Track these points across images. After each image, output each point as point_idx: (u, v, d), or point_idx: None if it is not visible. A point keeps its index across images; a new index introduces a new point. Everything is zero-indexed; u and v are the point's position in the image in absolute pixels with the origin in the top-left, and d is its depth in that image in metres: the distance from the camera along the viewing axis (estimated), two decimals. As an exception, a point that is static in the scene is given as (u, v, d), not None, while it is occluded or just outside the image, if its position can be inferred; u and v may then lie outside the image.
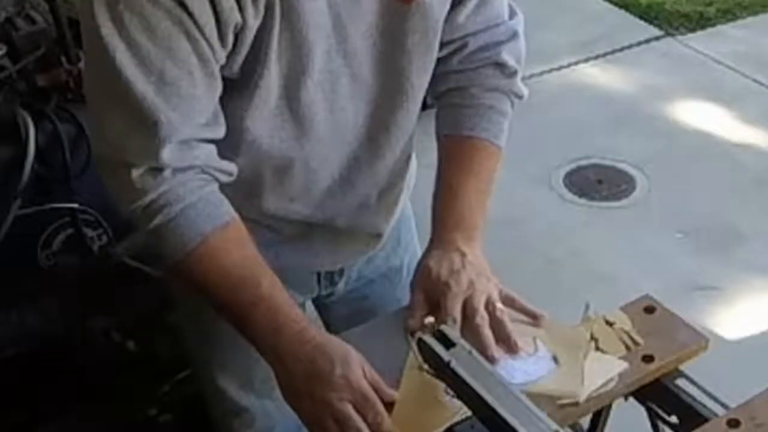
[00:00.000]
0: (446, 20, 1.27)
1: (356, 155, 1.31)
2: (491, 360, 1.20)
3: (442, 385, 1.18)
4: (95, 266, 2.04)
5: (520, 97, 1.39)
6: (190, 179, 1.16)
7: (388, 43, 1.21)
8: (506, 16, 1.35)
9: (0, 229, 1.87)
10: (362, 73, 1.22)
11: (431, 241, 1.33)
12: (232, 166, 1.21)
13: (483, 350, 1.20)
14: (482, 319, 1.24)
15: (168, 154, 1.12)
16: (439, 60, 1.33)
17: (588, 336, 1.30)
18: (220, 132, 1.17)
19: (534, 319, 1.31)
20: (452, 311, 1.24)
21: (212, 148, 1.18)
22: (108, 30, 1.05)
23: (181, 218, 1.15)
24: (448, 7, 1.25)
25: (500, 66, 1.35)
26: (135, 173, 1.13)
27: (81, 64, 1.97)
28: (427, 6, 1.20)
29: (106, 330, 2.11)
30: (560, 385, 1.22)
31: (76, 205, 1.97)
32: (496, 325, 1.25)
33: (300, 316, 1.18)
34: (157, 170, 1.13)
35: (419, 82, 1.28)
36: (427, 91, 1.37)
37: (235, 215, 1.19)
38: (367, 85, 1.24)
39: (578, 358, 1.26)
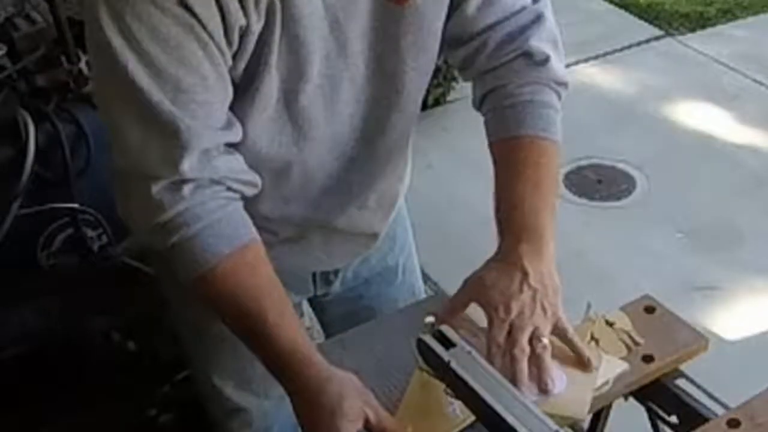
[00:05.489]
0: (456, 17, 1.24)
1: (352, 156, 1.30)
2: None
3: (446, 397, 1.16)
4: (95, 266, 2.04)
5: (561, 83, 1.29)
6: (210, 198, 1.13)
7: (382, 45, 1.20)
8: (522, 4, 1.26)
9: (0, 229, 1.87)
10: (359, 74, 1.22)
11: (499, 248, 1.24)
12: (255, 177, 1.18)
13: (513, 383, 1.14)
14: (521, 352, 1.16)
15: (188, 164, 1.10)
16: (466, 63, 1.29)
17: (599, 354, 1.26)
18: (238, 133, 1.15)
19: (580, 362, 1.22)
20: (497, 338, 1.17)
21: (233, 159, 1.15)
22: (118, 42, 1.04)
23: (196, 240, 1.12)
24: (445, 8, 1.22)
25: (530, 55, 1.26)
26: (154, 188, 1.11)
27: (81, 64, 1.97)
28: (419, 7, 1.19)
29: (106, 330, 2.10)
30: (566, 406, 1.18)
31: (76, 205, 1.96)
32: (535, 361, 1.17)
33: (300, 357, 1.13)
34: (177, 186, 1.11)
35: (414, 83, 1.26)
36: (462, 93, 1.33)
37: (255, 235, 1.17)
38: (363, 86, 1.23)
39: (590, 381, 1.21)
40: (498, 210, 1.26)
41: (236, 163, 1.16)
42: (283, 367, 1.14)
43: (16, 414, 1.95)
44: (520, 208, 1.23)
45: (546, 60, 1.27)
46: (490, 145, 1.30)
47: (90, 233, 2.03)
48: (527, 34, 1.26)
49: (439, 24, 1.24)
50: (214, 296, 1.16)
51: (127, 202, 1.17)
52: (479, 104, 1.33)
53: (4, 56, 1.94)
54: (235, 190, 1.16)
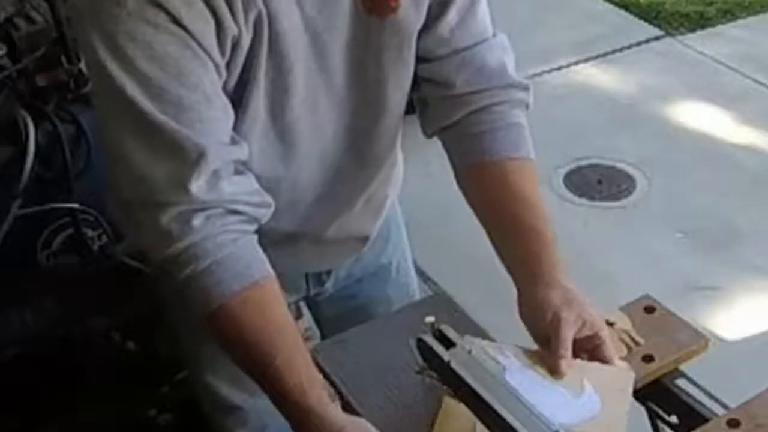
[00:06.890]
0: (428, 35, 1.23)
1: (340, 167, 1.29)
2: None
3: (477, 426, 1.14)
4: (95, 266, 2.04)
5: (528, 107, 1.33)
6: (221, 231, 1.09)
7: (363, 57, 1.20)
8: (490, 32, 1.28)
9: (0, 229, 1.87)
10: (340, 87, 1.21)
11: (537, 284, 1.22)
12: (267, 198, 1.16)
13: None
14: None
15: (196, 186, 1.06)
16: (444, 82, 1.27)
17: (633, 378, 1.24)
18: (245, 149, 1.13)
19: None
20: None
21: (243, 180, 1.12)
22: (113, 66, 1.01)
23: (206, 276, 1.09)
24: (422, 20, 1.21)
25: (514, 83, 1.29)
26: (164, 218, 1.07)
27: (81, 65, 1.97)
28: (400, 20, 1.18)
29: (106, 330, 2.10)
30: (605, 430, 1.16)
31: (76, 205, 1.97)
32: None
33: (305, 408, 1.10)
34: (187, 216, 1.08)
35: (396, 94, 1.26)
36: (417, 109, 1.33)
37: (267, 272, 1.13)
38: (345, 98, 1.23)
39: (623, 404, 1.20)
40: (515, 239, 1.26)
41: (246, 184, 1.13)
42: (289, 414, 1.12)
43: (16, 414, 1.95)
44: (541, 235, 1.26)
45: (527, 87, 1.29)
46: (474, 167, 1.29)
47: (90, 233, 2.03)
48: (504, 63, 1.28)
49: (415, 36, 1.23)
50: (223, 334, 1.13)
51: (138, 235, 1.15)
52: (448, 126, 1.31)
53: (4, 56, 1.94)
54: (248, 216, 1.13)
